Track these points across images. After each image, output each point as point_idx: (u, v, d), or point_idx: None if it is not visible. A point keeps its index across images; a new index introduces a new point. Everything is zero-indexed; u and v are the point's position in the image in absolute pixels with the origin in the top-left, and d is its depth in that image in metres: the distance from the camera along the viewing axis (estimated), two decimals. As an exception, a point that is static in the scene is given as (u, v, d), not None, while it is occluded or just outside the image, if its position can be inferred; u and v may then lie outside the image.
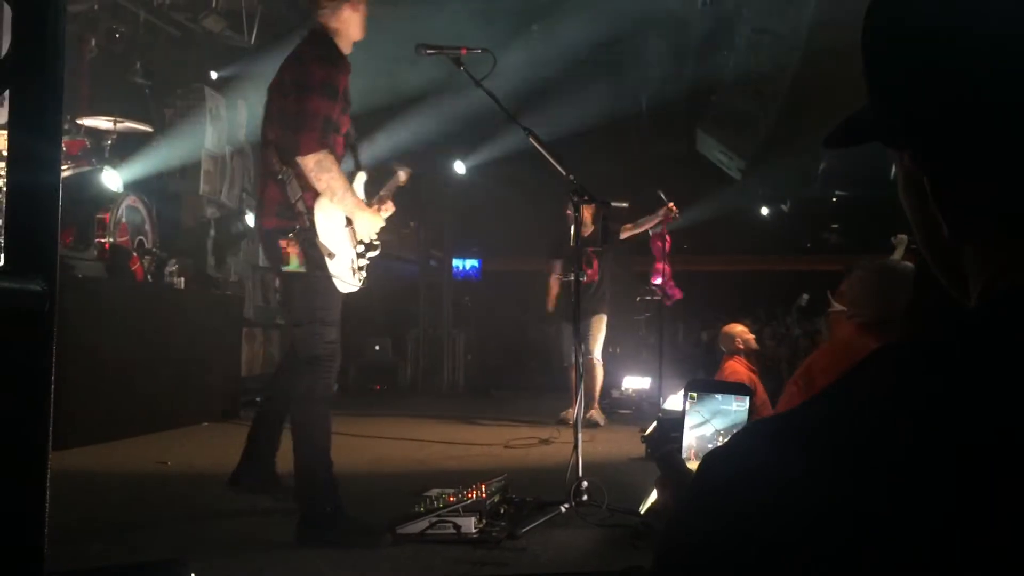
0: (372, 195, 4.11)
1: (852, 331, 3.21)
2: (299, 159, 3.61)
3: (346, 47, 3.92)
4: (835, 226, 15.05)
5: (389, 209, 4.04)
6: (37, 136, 1.18)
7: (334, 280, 3.73)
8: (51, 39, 1.17)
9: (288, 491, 3.98)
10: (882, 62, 0.74)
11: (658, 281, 8.42)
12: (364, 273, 3.95)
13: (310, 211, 3.66)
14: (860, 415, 0.61)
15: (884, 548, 0.55)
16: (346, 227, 3.84)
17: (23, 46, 1.17)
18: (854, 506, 0.56)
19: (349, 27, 3.90)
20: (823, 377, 3.11)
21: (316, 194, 3.68)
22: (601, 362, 8.19)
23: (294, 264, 3.69)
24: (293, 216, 3.67)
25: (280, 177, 3.67)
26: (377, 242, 4.04)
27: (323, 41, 3.85)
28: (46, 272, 1.16)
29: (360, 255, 3.91)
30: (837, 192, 13.54)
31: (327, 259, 3.68)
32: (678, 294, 8.60)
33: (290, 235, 3.66)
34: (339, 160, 3.79)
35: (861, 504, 0.56)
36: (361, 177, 4.10)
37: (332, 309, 3.77)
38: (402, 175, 4.29)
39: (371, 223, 3.95)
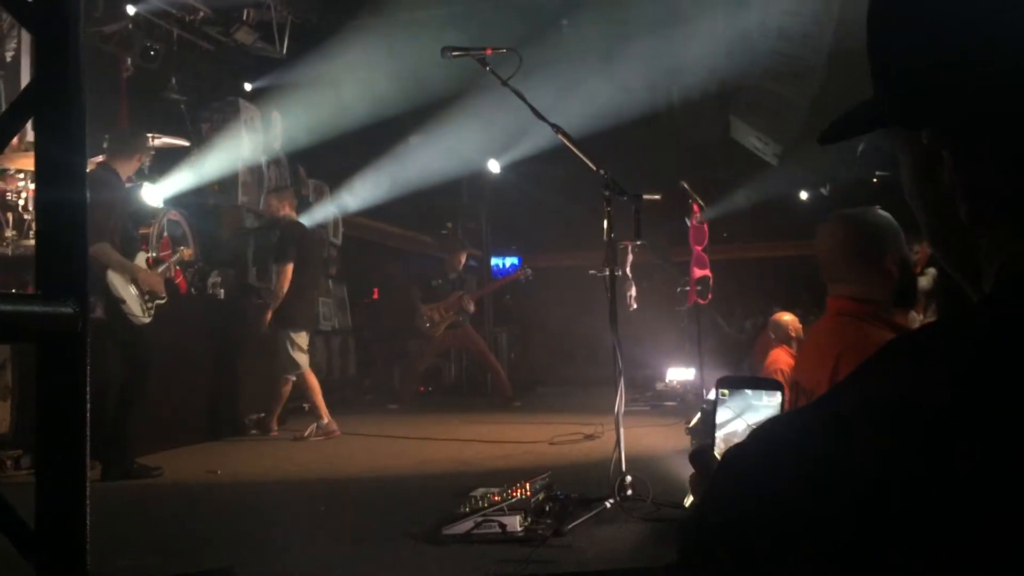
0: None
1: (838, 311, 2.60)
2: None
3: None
4: (877, 207, 14.81)
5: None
6: (63, 160, 1.20)
7: (128, 316, 5.63)
8: (72, 66, 1.20)
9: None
10: (895, 42, 0.72)
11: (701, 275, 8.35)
12: (152, 310, 5.79)
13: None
14: (889, 398, 0.60)
15: (925, 520, 0.55)
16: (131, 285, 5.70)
17: (45, 73, 1.19)
18: (893, 483, 0.56)
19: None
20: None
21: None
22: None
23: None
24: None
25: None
26: (161, 295, 5.88)
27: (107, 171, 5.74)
28: (77, 293, 1.19)
29: (147, 301, 5.76)
30: (878, 172, 13.34)
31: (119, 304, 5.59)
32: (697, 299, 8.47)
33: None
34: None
35: (901, 480, 0.56)
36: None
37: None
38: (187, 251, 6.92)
39: (149, 281, 5.79)
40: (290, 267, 7.48)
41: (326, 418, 7.43)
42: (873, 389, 0.62)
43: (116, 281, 5.61)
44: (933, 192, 0.72)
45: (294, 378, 7.51)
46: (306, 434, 7.32)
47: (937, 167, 0.70)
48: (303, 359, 7.50)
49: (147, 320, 5.75)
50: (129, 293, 5.66)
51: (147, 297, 5.77)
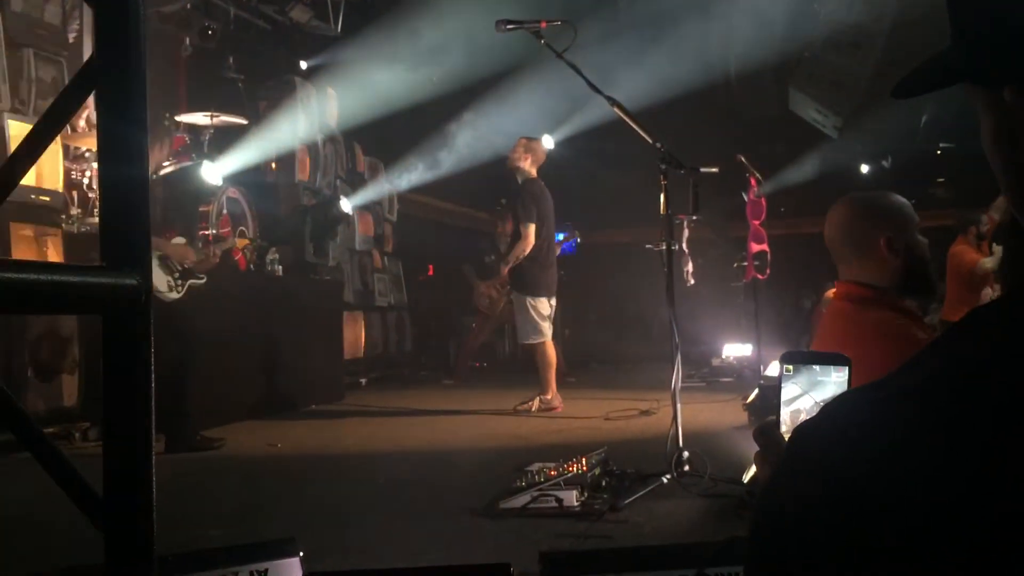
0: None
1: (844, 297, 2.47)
2: None
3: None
4: (941, 180, 14.42)
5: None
6: (125, 134, 1.21)
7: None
8: (132, 38, 1.20)
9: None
10: None
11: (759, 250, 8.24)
12: (183, 287, 5.73)
13: None
14: (957, 373, 0.59)
15: (1000, 502, 0.53)
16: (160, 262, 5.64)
17: (106, 47, 1.20)
18: (962, 465, 0.54)
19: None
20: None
21: None
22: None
23: None
24: None
25: None
26: (195, 270, 5.82)
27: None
28: (139, 265, 1.20)
29: (178, 277, 5.72)
30: (942, 144, 13.01)
31: None
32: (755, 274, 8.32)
33: None
34: None
35: (970, 462, 0.54)
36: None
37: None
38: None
39: (179, 255, 5.77)
40: (533, 227, 7.03)
41: (550, 393, 7.15)
42: (944, 364, 0.61)
43: None
44: (1015, 155, 0.68)
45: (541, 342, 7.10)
46: (533, 408, 7.09)
47: (1019, 129, 0.66)
48: (546, 327, 7.12)
49: (175, 296, 5.71)
50: (154, 270, 5.70)
51: (177, 275, 5.74)
